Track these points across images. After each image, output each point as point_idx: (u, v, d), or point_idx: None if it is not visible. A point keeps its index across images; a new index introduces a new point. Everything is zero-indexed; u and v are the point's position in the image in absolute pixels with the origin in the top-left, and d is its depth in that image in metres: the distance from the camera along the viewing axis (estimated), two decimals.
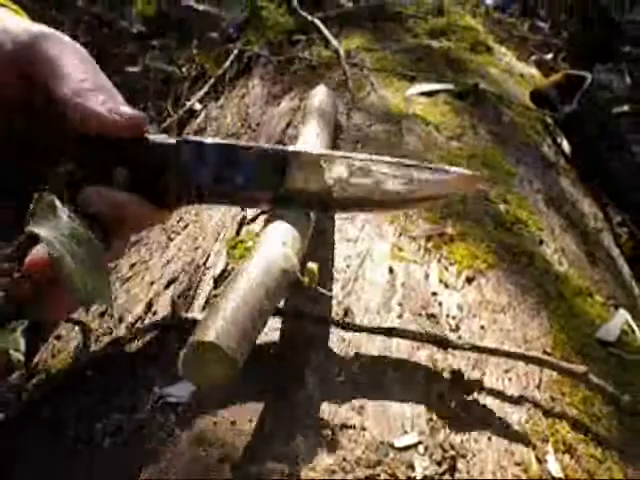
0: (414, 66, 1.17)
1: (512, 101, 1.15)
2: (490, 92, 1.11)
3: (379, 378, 0.55)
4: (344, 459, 0.48)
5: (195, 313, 0.62)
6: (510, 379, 0.57)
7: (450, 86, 1.09)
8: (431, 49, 1.27)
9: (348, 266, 0.66)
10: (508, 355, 0.58)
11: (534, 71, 1.38)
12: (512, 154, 0.98)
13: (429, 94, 1.07)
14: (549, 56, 1.52)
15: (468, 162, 0.88)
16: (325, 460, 0.48)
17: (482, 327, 0.61)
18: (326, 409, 0.51)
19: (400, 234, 0.71)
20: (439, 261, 0.68)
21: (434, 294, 0.64)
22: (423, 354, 0.57)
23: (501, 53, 1.40)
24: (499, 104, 1.11)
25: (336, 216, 0.72)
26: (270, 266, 0.53)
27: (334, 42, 1.24)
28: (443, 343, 0.58)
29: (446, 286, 0.65)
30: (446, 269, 0.67)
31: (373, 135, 0.92)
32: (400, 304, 0.62)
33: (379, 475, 0.48)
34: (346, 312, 0.60)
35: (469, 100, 1.08)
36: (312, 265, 0.56)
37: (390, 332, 0.58)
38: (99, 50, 1.65)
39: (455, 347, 0.58)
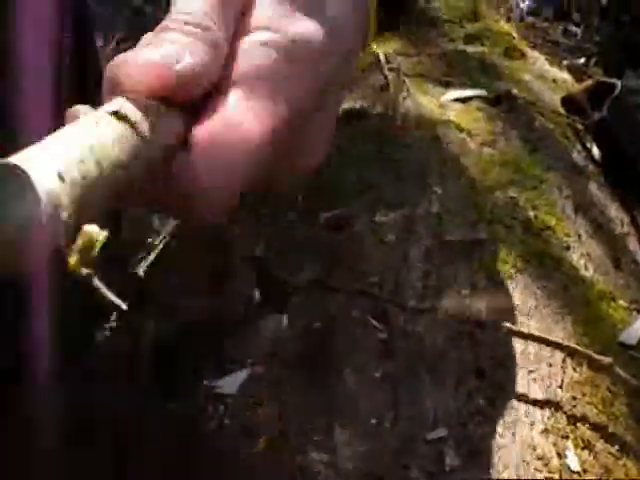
0: (449, 71, 1.20)
1: (544, 107, 1.17)
2: (522, 98, 1.14)
3: (412, 376, 0.59)
4: (378, 450, 0.53)
5: None
6: (534, 379, 0.61)
7: (483, 92, 1.12)
8: (466, 54, 1.29)
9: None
10: (541, 341, 0.62)
11: (567, 76, 1.40)
12: (543, 160, 1.00)
13: (463, 100, 1.10)
14: (581, 61, 1.54)
15: (500, 169, 0.91)
16: (361, 450, 0.52)
17: None
18: (363, 403, 0.56)
19: (433, 238, 0.75)
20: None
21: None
22: (454, 355, 0.61)
23: (535, 58, 1.43)
24: (531, 110, 1.13)
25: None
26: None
27: (373, 45, 1.26)
28: (481, 324, 0.63)
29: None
30: (476, 273, 0.71)
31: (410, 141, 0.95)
32: (432, 306, 0.66)
33: (411, 466, 0.52)
34: (384, 312, 0.64)
35: (502, 106, 1.11)
36: (94, 229, 0.24)
37: (433, 311, 0.64)
38: None
39: (493, 328, 0.63)
